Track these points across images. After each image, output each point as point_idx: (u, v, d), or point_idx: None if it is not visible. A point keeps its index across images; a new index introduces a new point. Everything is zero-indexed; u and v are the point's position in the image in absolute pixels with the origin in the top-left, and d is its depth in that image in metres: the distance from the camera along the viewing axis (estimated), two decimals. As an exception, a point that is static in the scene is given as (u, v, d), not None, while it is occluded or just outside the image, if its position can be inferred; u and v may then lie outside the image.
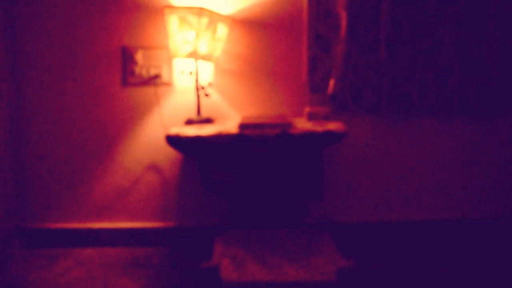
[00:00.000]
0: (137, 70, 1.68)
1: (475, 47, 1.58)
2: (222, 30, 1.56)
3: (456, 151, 1.74)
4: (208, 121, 1.58)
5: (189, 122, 1.56)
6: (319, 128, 1.39)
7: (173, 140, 1.37)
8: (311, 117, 1.55)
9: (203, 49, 1.52)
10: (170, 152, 1.69)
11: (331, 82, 1.61)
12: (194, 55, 1.50)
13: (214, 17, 1.51)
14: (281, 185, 1.63)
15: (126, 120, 1.71)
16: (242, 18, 1.68)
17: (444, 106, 1.61)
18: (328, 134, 1.35)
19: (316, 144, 1.48)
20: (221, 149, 1.42)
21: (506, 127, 1.73)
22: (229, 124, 1.55)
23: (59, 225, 1.74)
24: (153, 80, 1.68)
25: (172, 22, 1.49)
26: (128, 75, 1.69)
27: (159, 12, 1.65)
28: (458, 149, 1.74)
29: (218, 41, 1.56)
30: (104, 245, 1.72)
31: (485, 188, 1.76)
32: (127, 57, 1.68)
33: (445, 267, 1.52)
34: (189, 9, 1.46)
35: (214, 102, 1.70)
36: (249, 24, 1.68)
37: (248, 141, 1.35)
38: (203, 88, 1.60)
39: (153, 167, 1.73)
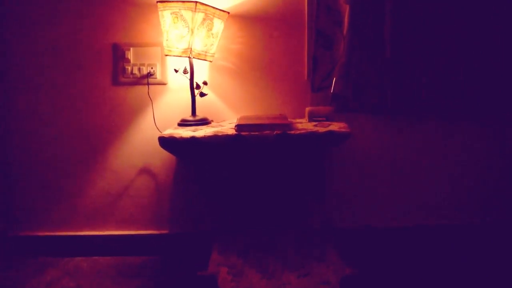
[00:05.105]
0: (128, 68, 1.68)
1: (484, 45, 1.56)
2: (218, 26, 1.55)
3: (465, 153, 1.73)
4: (204, 122, 1.56)
5: (184, 123, 1.55)
6: (321, 129, 1.38)
7: (167, 142, 1.35)
8: (312, 117, 1.55)
9: (198, 46, 1.51)
10: (164, 155, 1.68)
11: (333, 81, 1.60)
12: (188, 52, 1.49)
13: (209, 12, 1.50)
14: (281, 189, 1.63)
15: (117, 122, 1.70)
16: (239, 13, 1.67)
17: (452, 107, 1.60)
18: (331, 135, 1.34)
19: (318, 146, 1.47)
20: (217, 151, 1.42)
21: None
22: (226, 125, 1.54)
23: (47, 233, 1.73)
24: (145, 79, 1.67)
25: (166, 17, 1.48)
26: (119, 74, 1.68)
27: (152, 7, 1.64)
28: (468, 151, 1.73)
29: (214, 37, 1.55)
30: (95, 254, 1.71)
31: (496, 192, 1.75)
32: (118, 55, 1.67)
33: (453, 274, 1.51)
34: (183, 3, 1.45)
35: (210, 102, 1.69)
36: (247, 20, 1.67)
37: (246, 143, 1.34)
38: (198, 87, 1.59)
39: (146, 171, 1.72)
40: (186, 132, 1.39)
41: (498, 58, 1.55)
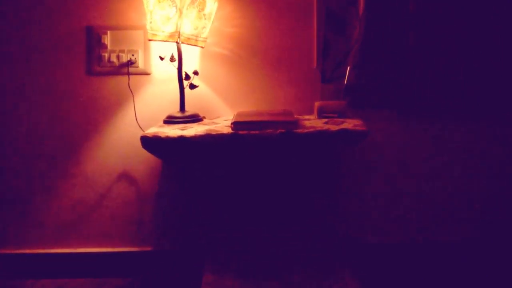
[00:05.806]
0: (105, 55, 1.61)
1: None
2: (211, 5, 1.46)
3: (500, 159, 1.65)
4: (195, 118, 1.50)
5: (171, 120, 1.48)
6: (332, 126, 1.31)
7: (151, 142, 1.28)
8: (322, 113, 1.48)
9: (187, 29, 1.43)
10: (147, 158, 1.61)
11: (347, 71, 1.54)
12: (176, 36, 1.41)
13: (201, -11, 1.42)
14: (285, 197, 1.62)
15: (92, 119, 1.63)
16: (236, -9, 1.60)
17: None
18: (344, 134, 1.27)
19: (329, 147, 1.42)
20: (210, 153, 1.36)
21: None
22: (220, 122, 1.48)
23: (7, 251, 1.64)
24: (125, 68, 1.61)
25: (149, -5, 1.40)
26: (94, 62, 1.61)
27: (133, -16, 1.58)
28: (504, 157, 1.65)
29: (206, 19, 1.46)
30: (64, 275, 1.63)
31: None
32: (93, 40, 1.61)
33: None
34: (170, -22, 1.38)
35: (202, 95, 1.62)
36: (245, -2, 1.61)
37: (244, 143, 1.28)
38: (188, 77, 1.52)
39: (126, 177, 1.65)
40: (174, 131, 1.32)
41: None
